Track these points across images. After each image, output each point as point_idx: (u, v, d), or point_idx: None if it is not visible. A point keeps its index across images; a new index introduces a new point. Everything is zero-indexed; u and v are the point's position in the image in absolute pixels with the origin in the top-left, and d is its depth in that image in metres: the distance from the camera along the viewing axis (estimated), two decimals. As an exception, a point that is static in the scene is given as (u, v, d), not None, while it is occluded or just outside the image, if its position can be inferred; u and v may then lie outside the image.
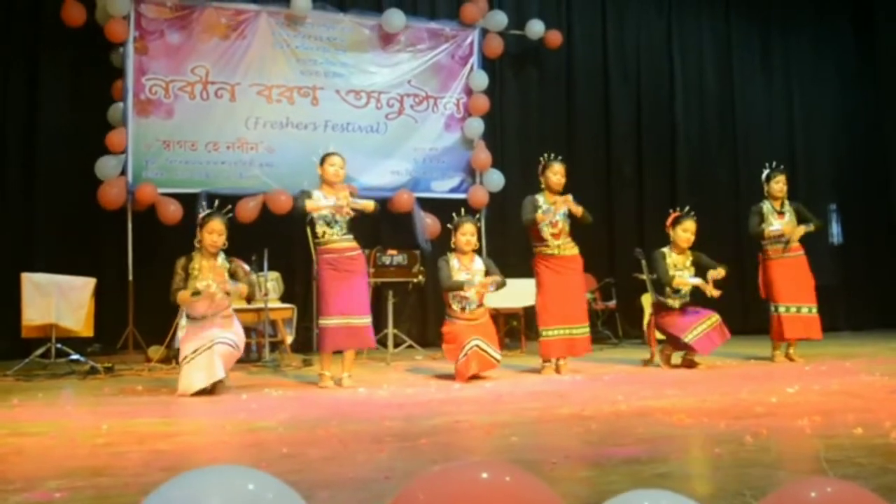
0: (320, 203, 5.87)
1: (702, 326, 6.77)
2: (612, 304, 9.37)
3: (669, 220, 7.00)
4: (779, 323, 7.10)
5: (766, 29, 11.22)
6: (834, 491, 1.53)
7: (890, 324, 10.51)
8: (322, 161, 6.04)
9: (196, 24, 8.34)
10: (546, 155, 6.67)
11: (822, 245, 11.20)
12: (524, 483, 1.47)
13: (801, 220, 7.16)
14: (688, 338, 6.71)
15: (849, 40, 11.59)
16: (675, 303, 6.90)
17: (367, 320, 5.98)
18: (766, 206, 7.19)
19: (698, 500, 1.53)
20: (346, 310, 5.85)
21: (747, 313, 9.75)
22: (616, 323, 9.48)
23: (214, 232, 5.59)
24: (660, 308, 7.00)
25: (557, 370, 6.52)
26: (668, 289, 6.90)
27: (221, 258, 5.69)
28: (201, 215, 5.74)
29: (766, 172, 7.30)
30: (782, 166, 7.35)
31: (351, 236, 6.02)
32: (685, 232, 6.85)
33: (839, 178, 11.33)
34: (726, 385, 5.50)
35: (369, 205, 6.04)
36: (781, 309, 7.11)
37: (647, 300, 9.23)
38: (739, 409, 4.43)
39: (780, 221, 7.11)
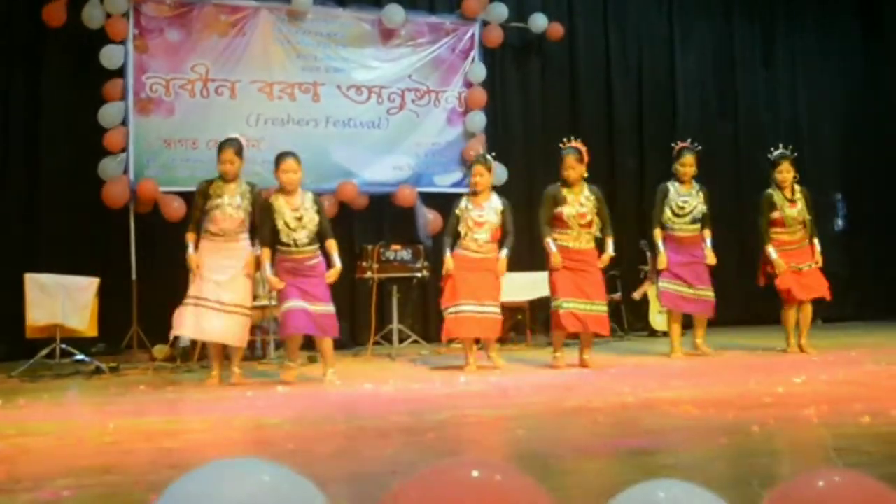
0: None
1: (693, 291, 6.82)
2: (617, 296, 9.34)
3: (674, 152, 7.09)
4: (790, 276, 6.86)
5: (770, 19, 11.16)
6: (843, 481, 1.53)
7: (896, 314, 10.48)
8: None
9: (195, 22, 8.31)
10: (565, 140, 6.61)
11: (828, 234, 11.17)
12: (514, 481, 1.47)
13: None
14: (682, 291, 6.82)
15: (855, 29, 11.51)
16: (679, 230, 6.91)
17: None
18: (777, 194, 6.96)
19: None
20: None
21: (748, 303, 9.72)
22: (621, 315, 9.45)
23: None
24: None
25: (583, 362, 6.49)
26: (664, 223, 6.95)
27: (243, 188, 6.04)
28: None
29: (773, 156, 7.08)
30: (790, 148, 7.13)
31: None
32: (682, 166, 6.96)
33: (846, 167, 11.25)
34: (733, 375, 5.50)
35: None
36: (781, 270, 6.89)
37: (652, 292, 9.24)
38: (746, 399, 4.43)
39: (793, 209, 6.91)
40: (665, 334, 7.77)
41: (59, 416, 4.60)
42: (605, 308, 6.43)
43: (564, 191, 6.41)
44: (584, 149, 6.47)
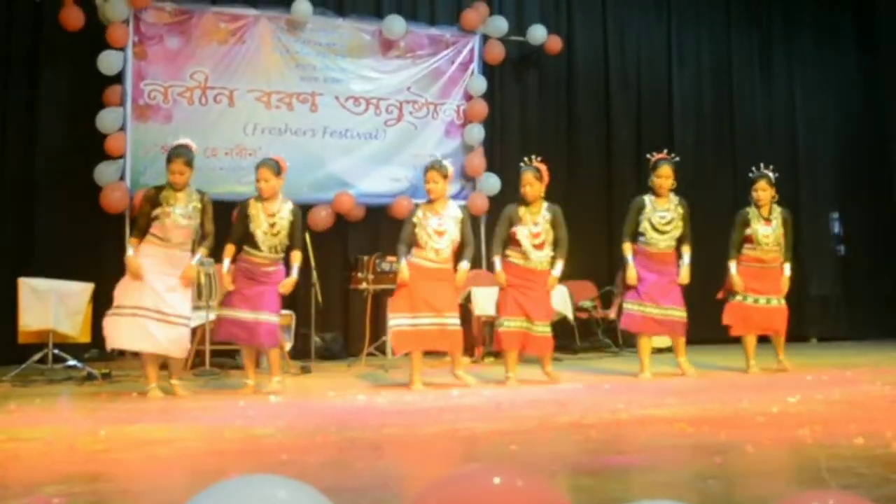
0: None
1: (658, 311, 6.54)
2: (612, 312, 9.32)
3: (650, 164, 6.81)
4: (740, 310, 6.80)
5: (767, 36, 11.22)
6: (835, 503, 1.52)
7: (892, 333, 10.46)
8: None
9: (195, 29, 8.33)
10: (526, 160, 6.48)
11: (824, 254, 11.16)
12: (536, 487, 1.47)
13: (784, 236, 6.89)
14: (636, 307, 6.57)
15: (851, 46, 11.58)
16: (654, 246, 6.59)
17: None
18: (753, 211, 6.88)
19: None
20: None
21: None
22: (616, 331, 9.43)
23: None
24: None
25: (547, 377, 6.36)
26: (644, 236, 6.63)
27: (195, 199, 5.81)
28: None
29: (753, 175, 6.98)
30: (770, 168, 6.96)
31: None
32: (658, 178, 6.68)
33: (842, 186, 11.29)
34: (727, 394, 5.48)
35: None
36: (738, 298, 6.81)
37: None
38: (740, 418, 4.42)
39: (767, 227, 6.82)
40: (660, 351, 7.72)
41: (50, 421, 4.57)
42: (547, 329, 6.30)
43: (521, 210, 6.29)
44: (544, 168, 6.35)
